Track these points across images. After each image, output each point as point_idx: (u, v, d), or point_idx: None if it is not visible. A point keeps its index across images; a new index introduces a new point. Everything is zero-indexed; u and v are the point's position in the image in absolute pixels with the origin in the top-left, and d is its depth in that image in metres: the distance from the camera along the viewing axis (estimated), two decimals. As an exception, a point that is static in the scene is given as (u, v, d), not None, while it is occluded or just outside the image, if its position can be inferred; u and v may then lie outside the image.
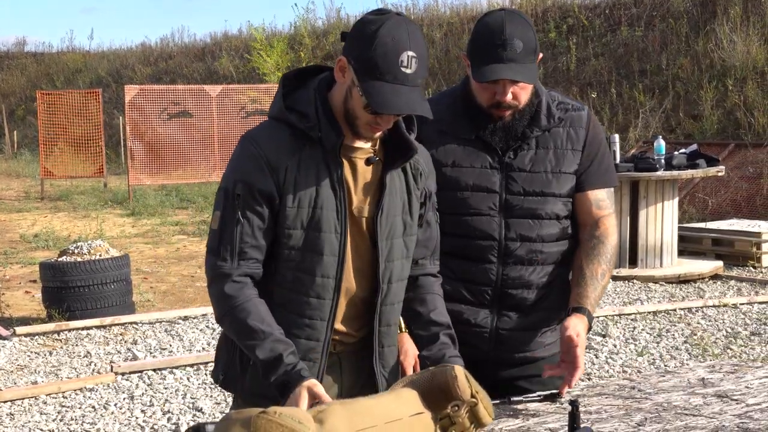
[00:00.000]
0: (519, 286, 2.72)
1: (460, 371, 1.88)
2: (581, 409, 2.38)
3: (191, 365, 6.52)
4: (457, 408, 1.84)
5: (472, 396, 1.86)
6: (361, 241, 2.37)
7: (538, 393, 2.42)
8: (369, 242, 2.37)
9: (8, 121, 30.38)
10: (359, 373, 2.47)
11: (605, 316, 7.68)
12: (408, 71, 2.22)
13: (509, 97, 2.61)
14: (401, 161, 2.39)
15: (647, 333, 7.32)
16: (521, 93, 2.63)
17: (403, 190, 2.41)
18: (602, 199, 2.77)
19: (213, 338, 7.38)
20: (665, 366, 6.41)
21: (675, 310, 8.07)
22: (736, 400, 2.50)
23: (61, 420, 5.53)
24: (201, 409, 5.62)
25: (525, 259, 2.70)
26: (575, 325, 2.57)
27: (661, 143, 9.45)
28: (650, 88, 16.90)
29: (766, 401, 2.48)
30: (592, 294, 2.65)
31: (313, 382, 2.14)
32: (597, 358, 6.61)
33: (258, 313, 2.25)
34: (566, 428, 2.26)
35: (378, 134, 2.32)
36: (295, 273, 2.33)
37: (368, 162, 2.37)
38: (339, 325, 2.39)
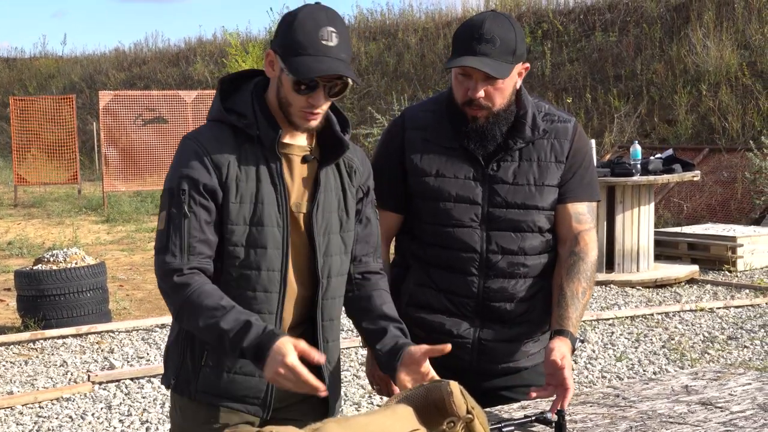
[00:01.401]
0: (501, 298, 2.70)
1: (455, 387, 1.86)
2: (566, 417, 2.38)
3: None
4: (452, 424, 1.82)
5: (468, 412, 1.83)
6: (298, 236, 2.41)
7: (531, 416, 2.37)
8: (306, 238, 2.43)
9: (-20, 127, 30.09)
10: None
11: (583, 321, 7.69)
12: (330, 44, 2.28)
13: (480, 94, 2.58)
14: (334, 158, 2.45)
15: (625, 338, 7.35)
16: (495, 94, 2.60)
17: (338, 188, 2.47)
18: (582, 213, 2.74)
19: (191, 346, 7.32)
20: (644, 371, 6.43)
21: (652, 314, 8.11)
22: (720, 407, 2.50)
23: (38, 431, 5.47)
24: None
25: (507, 271, 2.69)
26: (559, 347, 2.52)
27: (637, 148, 9.51)
28: (625, 93, 17.00)
29: (750, 408, 2.49)
30: (573, 314, 2.61)
31: (290, 339, 2.18)
32: (576, 363, 6.63)
33: (215, 293, 2.28)
34: (552, 438, 2.26)
35: (313, 123, 2.35)
36: (240, 270, 2.36)
37: (304, 160, 2.42)
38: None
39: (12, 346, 7.48)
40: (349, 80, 2.32)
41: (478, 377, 2.74)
